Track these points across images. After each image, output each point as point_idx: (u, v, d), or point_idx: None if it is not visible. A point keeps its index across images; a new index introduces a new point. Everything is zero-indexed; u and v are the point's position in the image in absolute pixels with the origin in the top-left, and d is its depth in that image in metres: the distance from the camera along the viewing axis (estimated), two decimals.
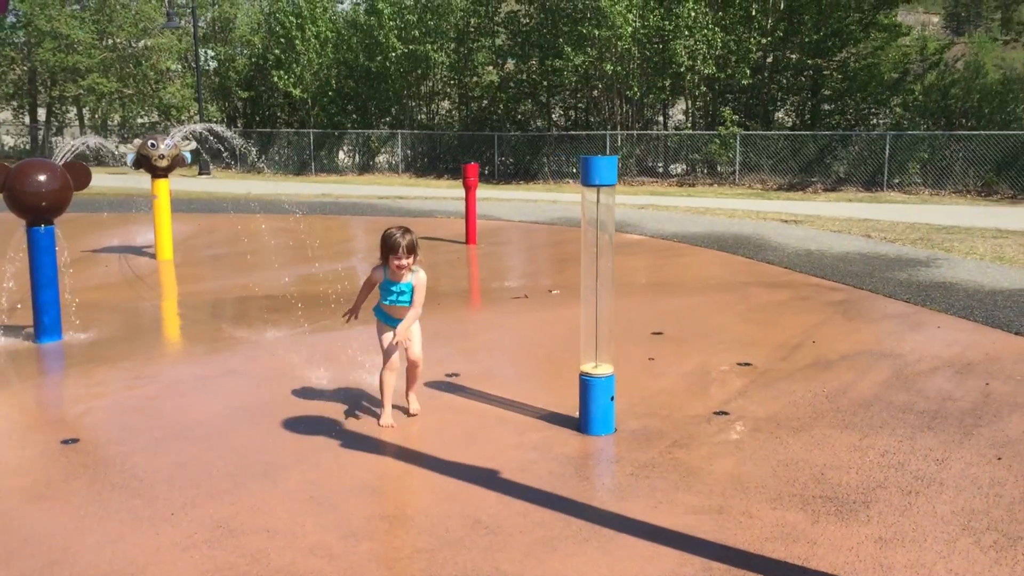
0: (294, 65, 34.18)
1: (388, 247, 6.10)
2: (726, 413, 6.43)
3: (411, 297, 6.20)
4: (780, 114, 32.24)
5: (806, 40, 29.19)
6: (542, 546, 4.47)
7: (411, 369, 6.41)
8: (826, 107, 30.91)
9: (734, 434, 6.04)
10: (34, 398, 7.16)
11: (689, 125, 31.48)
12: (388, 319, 6.30)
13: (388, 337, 6.21)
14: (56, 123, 41.08)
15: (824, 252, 13.85)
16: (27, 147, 39.12)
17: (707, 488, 5.16)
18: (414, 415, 6.39)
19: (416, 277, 6.22)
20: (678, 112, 34.36)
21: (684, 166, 30.36)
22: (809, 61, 29.94)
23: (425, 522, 4.73)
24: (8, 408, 6.78)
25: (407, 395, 6.49)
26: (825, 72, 30.38)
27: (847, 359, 7.79)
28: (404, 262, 6.08)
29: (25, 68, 40.11)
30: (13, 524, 4.71)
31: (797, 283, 11.40)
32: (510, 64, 33.83)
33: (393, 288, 6.22)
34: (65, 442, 5.93)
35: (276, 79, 34.14)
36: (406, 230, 6.17)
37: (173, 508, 4.91)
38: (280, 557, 4.36)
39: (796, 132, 28.96)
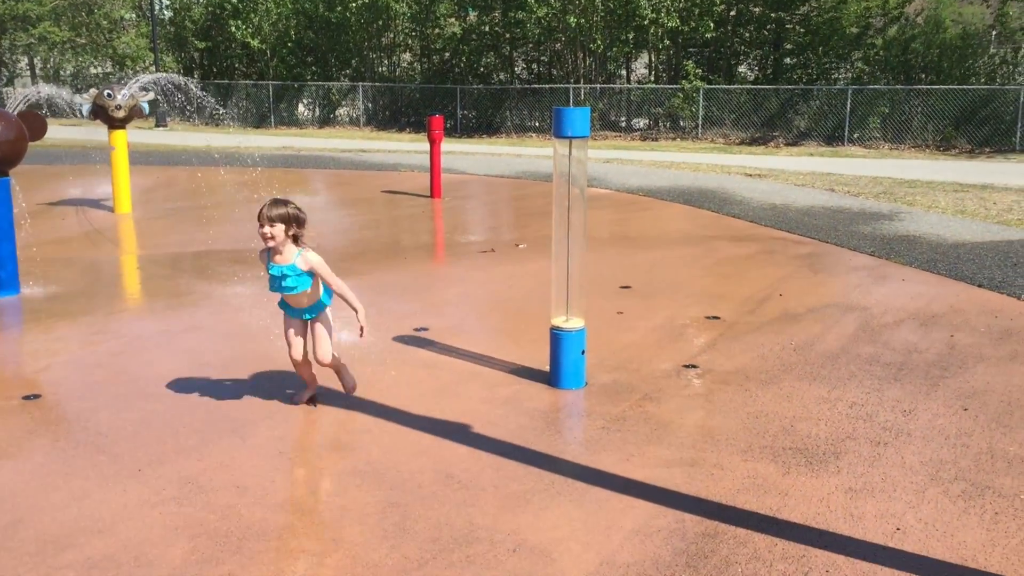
0: (252, 15, 33.47)
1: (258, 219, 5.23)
2: (695, 366, 6.44)
3: (299, 282, 5.38)
4: (743, 68, 32.21)
5: None
6: (515, 500, 4.46)
7: (314, 368, 5.71)
8: (788, 61, 30.92)
9: (703, 387, 6.05)
10: None
11: (652, 79, 31.37)
12: (290, 309, 5.59)
13: (291, 332, 5.57)
14: (7, 73, 39.98)
15: (788, 206, 13.90)
16: None
17: (678, 441, 5.17)
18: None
19: (303, 257, 5.34)
20: (641, 66, 34.18)
21: (647, 120, 30.27)
22: (772, 15, 29.89)
23: (397, 477, 4.70)
24: None
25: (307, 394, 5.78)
26: (788, 26, 30.36)
27: (814, 312, 7.84)
28: (267, 231, 5.18)
29: None
30: None
31: (763, 237, 11.44)
32: (472, 16, 33.38)
33: (273, 272, 5.36)
34: (27, 398, 5.81)
35: (234, 29, 33.42)
36: (282, 201, 5.30)
37: (140, 465, 4.82)
38: (251, 513, 4.31)
39: (759, 86, 28.97)
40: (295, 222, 5.26)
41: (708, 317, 7.66)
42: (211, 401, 5.77)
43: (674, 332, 7.27)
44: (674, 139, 28.23)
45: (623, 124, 30.35)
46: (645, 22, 28.35)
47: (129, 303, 8.81)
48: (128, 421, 5.42)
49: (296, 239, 5.33)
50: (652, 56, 32.03)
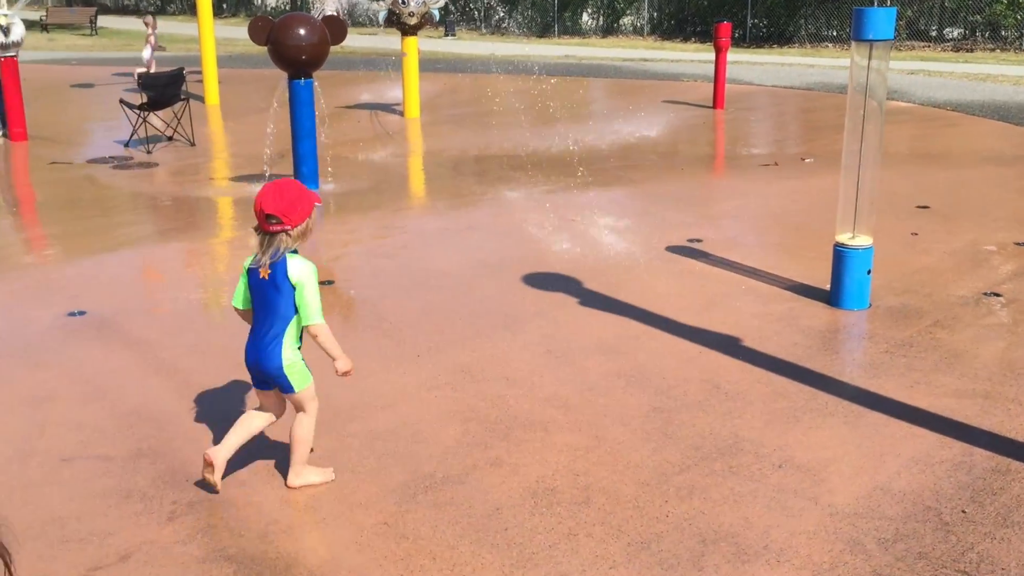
0: None
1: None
2: (998, 295, 5.86)
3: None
4: None
5: None
6: (783, 416, 4.29)
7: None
8: None
9: (1006, 317, 5.50)
10: None
11: None
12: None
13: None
14: None
15: None
16: (287, 8, 41.01)
17: (972, 372, 4.74)
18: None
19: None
20: None
21: (962, 29, 27.53)
22: None
23: (663, 383, 4.65)
24: None
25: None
26: None
27: None
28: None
29: None
30: None
31: None
32: None
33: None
34: (322, 283, 6.27)
35: None
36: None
37: (419, 351, 5.09)
38: (518, 404, 4.43)
39: None
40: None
41: (1017, 243, 6.93)
42: (486, 296, 5.96)
43: (976, 257, 6.64)
44: (992, 50, 25.53)
45: (933, 33, 27.81)
46: None
47: (414, 201, 9.27)
48: (410, 310, 5.72)
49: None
50: None
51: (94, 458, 3.93)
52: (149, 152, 11.08)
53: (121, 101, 11.86)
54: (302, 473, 3.74)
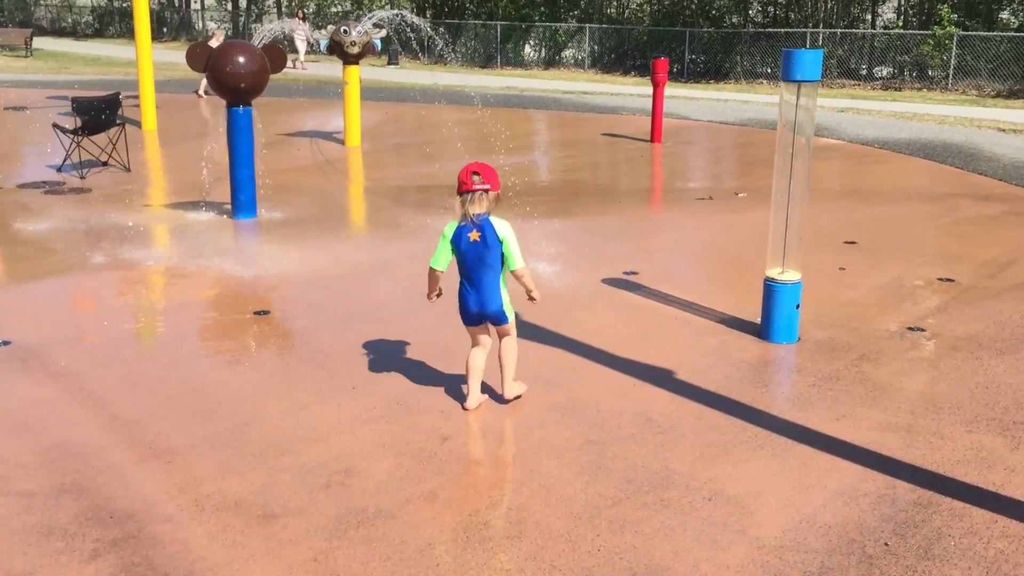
0: None
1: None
2: (922, 329, 6.03)
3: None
4: (1005, 14, 29.47)
5: None
6: (714, 449, 4.35)
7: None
8: None
9: (929, 352, 5.66)
10: (230, 270, 7.53)
11: (900, 24, 29.29)
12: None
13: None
14: (256, 10, 42.52)
15: None
16: (229, 33, 40.76)
17: (895, 405, 4.87)
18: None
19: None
20: (888, 10, 31.98)
21: (891, 69, 28.35)
22: None
23: (597, 416, 4.69)
24: (207, 279, 7.16)
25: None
26: None
27: None
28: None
29: None
30: (211, 386, 4.99)
31: (1012, 197, 10.51)
32: None
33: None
34: (257, 313, 6.22)
35: None
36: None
37: (355, 382, 5.07)
38: (453, 437, 4.43)
39: (1022, 34, 26.47)
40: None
41: (941, 279, 7.14)
42: (422, 328, 5.96)
43: (901, 292, 6.83)
44: (919, 89, 26.35)
45: (863, 72, 28.62)
46: None
47: (353, 231, 9.24)
48: (346, 342, 5.70)
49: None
50: None
51: (14, 494, 3.83)
52: (83, 177, 10.91)
53: (55, 125, 11.66)
54: (514, 386, 4.75)
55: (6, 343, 5.52)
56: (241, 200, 8.95)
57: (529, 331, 5.88)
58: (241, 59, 8.64)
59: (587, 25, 32.80)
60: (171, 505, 3.77)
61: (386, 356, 5.46)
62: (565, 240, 8.34)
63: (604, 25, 32.83)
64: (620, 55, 32.25)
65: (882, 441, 4.46)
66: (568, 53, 33.67)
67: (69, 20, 46.67)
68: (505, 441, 4.42)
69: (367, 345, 5.64)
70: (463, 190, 4.55)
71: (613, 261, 7.57)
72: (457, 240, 4.59)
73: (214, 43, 13.44)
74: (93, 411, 4.65)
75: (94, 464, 4.10)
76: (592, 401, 4.88)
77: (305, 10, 21.57)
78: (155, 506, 3.74)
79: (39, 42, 35.15)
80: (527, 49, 34.30)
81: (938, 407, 4.85)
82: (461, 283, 4.68)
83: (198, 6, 46.76)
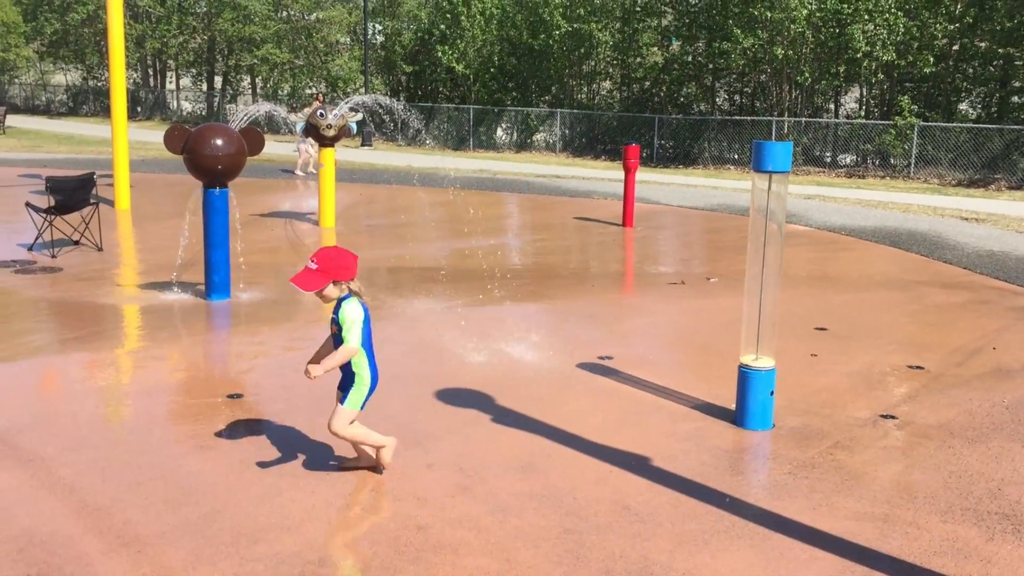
0: (458, 41, 34.57)
1: None
2: (894, 417, 6.08)
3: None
4: (964, 106, 30.40)
5: (997, 27, 27.38)
6: (692, 538, 4.33)
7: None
8: (1016, 99, 28.92)
9: (902, 440, 5.70)
10: (203, 353, 7.48)
11: (863, 114, 30.13)
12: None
13: None
14: (231, 91, 42.98)
15: (1008, 254, 12.97)
16: (203, 113, 41.06)
17: (871, 494, 4.89)
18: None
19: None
20: (851, 100, 32.90)
21: (854, 157, 29.05)
22: (1000, 50, 28.08)
23: (573, 504, 4.67)
24: (179, 361, 7.10)
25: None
26: (1017, 62, 28.45)
27: None
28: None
29: (205, 37, 42.16)
30: (181, 471, 4.91)
31: (977, 285, 10.72)
32: (675, 46, 33.19)
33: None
34: (230, 396, 6.16)
35: (440, 54, 34.62)
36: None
37: (328, 468, 5.01)
38: (429, 525, 4.38)
39: (981, 125, 27.27)
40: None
41: (911, 366, 7.23)
42: (397, 412, 5.93)
43: (872, 379, 6.90)
44: (883, 177, 26.99)
45: (828, 160, 29.31)
46: (858, 55, 27.28)
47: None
48: (320, 425, 5.63)
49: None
50: (863, 90, 30.74)
51: None
52: (54, 256, 10.85)
53: (27, 204, 11.63)
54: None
55: None
56: (215, 281, 8.92)
57: (504, 417, 5.87)
58: (219, 141, 8.72)
59: (558, 110, 33.45)
60: None
61: None
62: (539, 324, 8.38)
63: (575, 110, 33.48)
64: (591, 139, 32.86)
65: (859, 531, 4.46)
66: (539, 136, 34.27)
67: (43, 98, 46.92)
68: (481, 529, 4.37)
69: None
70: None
71: (587, 345, 7.61)
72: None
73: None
74: (61, 498, 4.55)
75: (61, 554, 4.00)
76: (569, 488, 4.85)
77: (323, 96, 21.40)
78: None
79: (12, 120, 35.23)
80: (499, 132, 34.86)
81: (913, 496, 4.87)
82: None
83: (173, 86, 47.21)
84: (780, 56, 28.30)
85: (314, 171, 19.86)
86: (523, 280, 10.41)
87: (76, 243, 11.52)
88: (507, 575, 3.95)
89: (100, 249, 11.38)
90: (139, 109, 41.38)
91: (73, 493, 4.61)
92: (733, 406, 5.96)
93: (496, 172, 23.88)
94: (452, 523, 4.43)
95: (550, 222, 15.57)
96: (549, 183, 21.38)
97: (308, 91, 38.58)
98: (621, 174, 15.40)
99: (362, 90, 34.35)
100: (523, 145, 33.80)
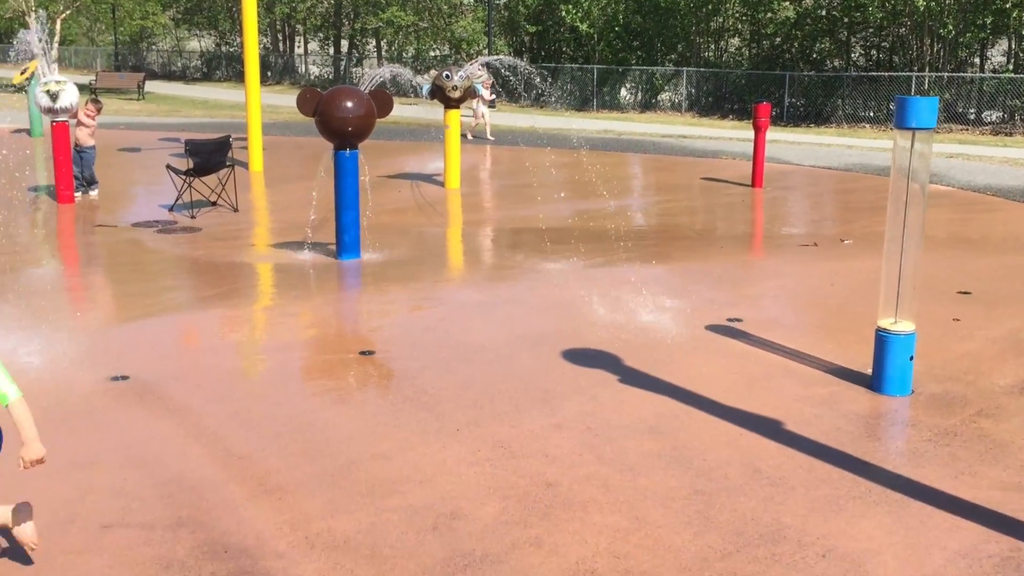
0: (582, 0, 34.22)
1: None
2: None
3: None
4: None
5: None
6: (827, 503, 4.23)
7: None
8: None
9: None
10: (334, 310, 7.69)
11: (1010, 68, 28.48)
12: None
13: None
14: (357, 55, 43.69)
15: None
16: (330, 77, 41.89)
17: (1018, 464, 4.67)
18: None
19: None
20: (998, 53, 31.13)
21: (1001, 113, 27.55)
22: None
23: (703, 465, 4.62)
24: (312, 318, 7.32)
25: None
26: None
27: None
28: None
29: (332, 2, 42.88)
30: (317, 424, 5.08)
31: None
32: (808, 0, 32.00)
33: None
34: (362, 353, 6.32)
35: (564, 13, 34.32)
36: None
37: (458, 425, 5.09)
38: (557, 483, 4.41)
39: None
40: None
41: None
42: (525, 372, 5.97)
43: (1019, 346, 6.56)
44: None
45: (971, 117, 27.87)
46: (1007, 5, 25.76)
47: (453, 273, 9.34)
48: (450, 383, 5.74)
49: None
50: (1012, 42, 29.02)
51: (134, 526, 3.95)
52: (193, 217, 11.30)
53: (168, 166, 12.13)
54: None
55: (125, 377, 5.72)
56: (346, 241, 9.13)
57: (631, 377, 5.84)
58: (349, 104, 8.88)
59: (684, 69, 32.80)
60: (282, 542, 3.83)
61: (489, 399, 5.48)
62: (665, 285, 8.28)
63: (702, 69, 32.76)
64: (718, 98, 32.11)
65: (1004, 501, 4.27)
66: (665, 96, 33.68)
67: (179, 64, 48.71)
68: (610, 488, 4.38)
69: (471, 387, 5.67)
70: None
71: (716, 307, 7.48)
72: None
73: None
74: (207, 446, 4.77)
75: (209, 498, 4.20)
76: (698, 450, 4.80)
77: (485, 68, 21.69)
78: (267, 542, 3.80)
79: (151, 86, 36.71)
80: (623, 92, 34.42)
81: None
82: None
83: (301, 51, 48.30)
84: (921, 8, 26.95)
85: (492, 138, 20.25)
86: (649, 241, 10.30)
87: (213, 204, 11.97)
88: (636, 533, 3.94)
89: (236, 210, 11.80)
90: (269, 74, 42.51)
91: (218, 442, 4.82)
92: (869, 371, 5.77)
93: (620, 133, 23.63)
94: (580, 481, 4.45)
95: (676, 183, 15.33)
96: (675, 143, 21.03)
97: (432, 54, 38.89)
98: (749, 134, 15.02)
99: (485, 52, 34.43)
100: (647, 105, 33.31)
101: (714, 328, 6.91)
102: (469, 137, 20.12)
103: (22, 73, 20.91)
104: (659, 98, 33.62)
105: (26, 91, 20.19)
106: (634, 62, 34.48)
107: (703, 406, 5.40)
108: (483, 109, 20.53)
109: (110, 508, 4.09)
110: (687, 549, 3.82)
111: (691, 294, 7.94)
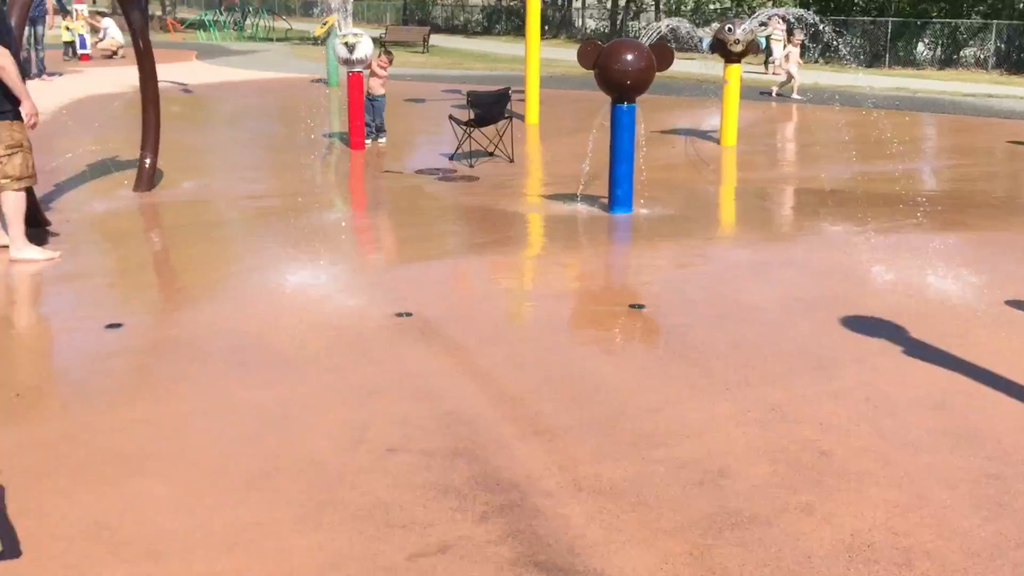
0: None
1: None
2: None
3: None
4: None
5: None
6: None
7: None
8: None
9: None
10: (605, 263, 7.75)
11: None
12: None
13: None
14: (634, 7, 43.42)
15: None
16: (606, 31, 41.95)
17: None
18: None
19: None
20: None
21: None
22: None
23: (998, 448, 4.26)
24: (582, 269, 7.42)
25: None
26: None
27: None
28: None
29: None
30: (587, 372, 5.16)
31: None
32: None
33: None
34: (633, 306, 6.34)
35: None
36: None
37: (728, 384, 5.00)
38: (831, 451, 4.23)
39: None
40: None
41: None
42: (799, 335, 5.75)
43: None
44: None
45: None
46: None
47: (726, 231, 9.14)
48: (720, 341, 5.64)
49: None
50: None
51: (416, 452, 4.20)
52: (471, 166, 11.74)
53: (450, 117, 12.65)
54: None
55: (409, 314, 6.06)
56: (618, 195, 9.15)
57: (917, 349, 5.47)
58: (628, 56, 8.83)
59: (994, 21, 29.95)
60: (551, 481, 3.93)
61: (761, 360, 5.33)
62: (958, 255, 7.67)
63: (1015, 22, 29.77)
64: None
65: None
66: (968, 51, 30.99)
67: (461, 18, 50.55)
68: (889, 462, 4.14)
69: (742, 347, 5.53)
70: None
71: (1017, 282, 6.84)
72: None
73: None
74: (482, 385, 4.97)
75: (483, 434, 4.38)
76: (991, 431, 4.43)
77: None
78: (537, 481, 3.92)
79: (435, 39, 38.34)
80: (920, 47, 32.01)
81: None
82: None
83: (579, 4, 48.66)
84: None
85: (799, 96, 19.62)
86: (942, 207, 9.56)
87: (490, 154, 12.36)
88: (918, 511, 3.71)
89: (512, 161, 12.13)
90: (546, 28, 43.19)
91: (491, 382, 5.01)
92: None
93: (916, 90, 22.04)
94: (857, 452, 4.24)
95: (977, 146, 14.12)
96: (979, 103, 19.35)
97: (712, 6, 37.95)
98: None
99: (769, 4, 33.11)
100: (947, 61, 30.81)
101: (1016, 303, 6.32)
102: (774, 94, 19.53)
103: (323, 26, 22.51)
104: (962, 53, 30.99)
105: (325, 43, 21.73)
106: (935, 14, 31.90)
107: (999, 386, 4.97)
108: (793, 68, 19.63)
109: (394, 434, 4.37)
110: (976, 534, 3.55)
111: (987, 265, 7.31)
